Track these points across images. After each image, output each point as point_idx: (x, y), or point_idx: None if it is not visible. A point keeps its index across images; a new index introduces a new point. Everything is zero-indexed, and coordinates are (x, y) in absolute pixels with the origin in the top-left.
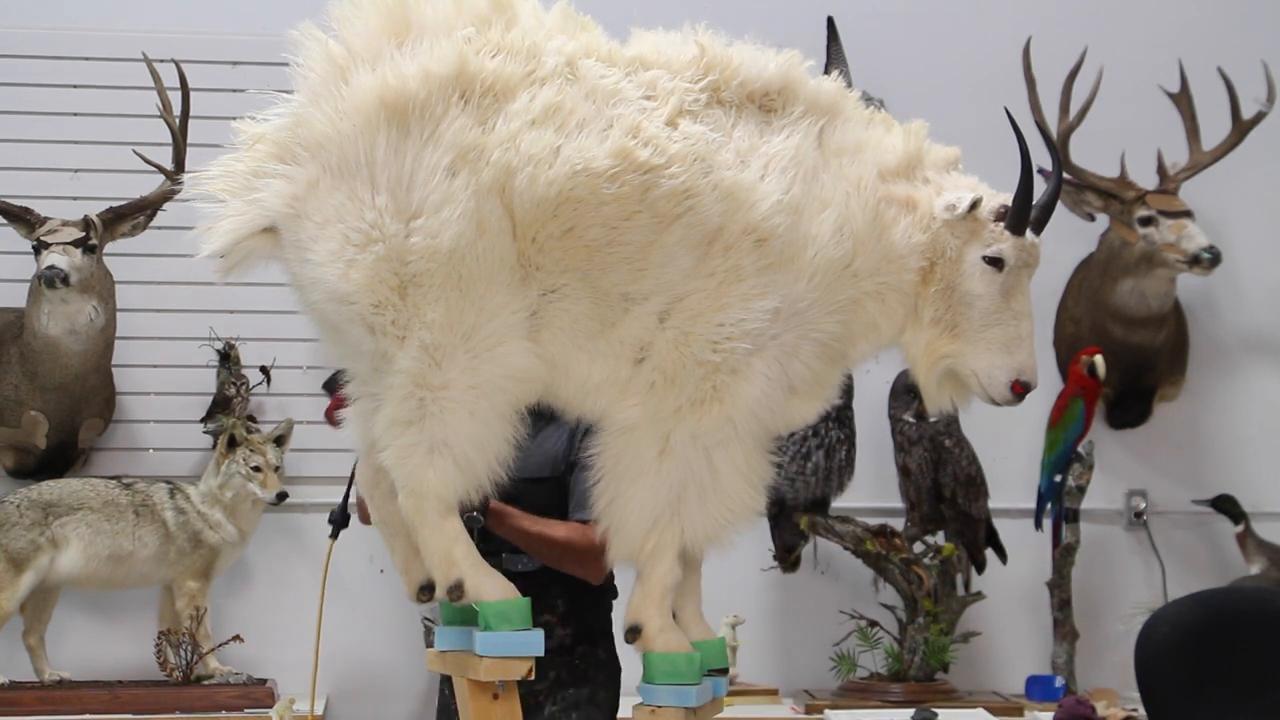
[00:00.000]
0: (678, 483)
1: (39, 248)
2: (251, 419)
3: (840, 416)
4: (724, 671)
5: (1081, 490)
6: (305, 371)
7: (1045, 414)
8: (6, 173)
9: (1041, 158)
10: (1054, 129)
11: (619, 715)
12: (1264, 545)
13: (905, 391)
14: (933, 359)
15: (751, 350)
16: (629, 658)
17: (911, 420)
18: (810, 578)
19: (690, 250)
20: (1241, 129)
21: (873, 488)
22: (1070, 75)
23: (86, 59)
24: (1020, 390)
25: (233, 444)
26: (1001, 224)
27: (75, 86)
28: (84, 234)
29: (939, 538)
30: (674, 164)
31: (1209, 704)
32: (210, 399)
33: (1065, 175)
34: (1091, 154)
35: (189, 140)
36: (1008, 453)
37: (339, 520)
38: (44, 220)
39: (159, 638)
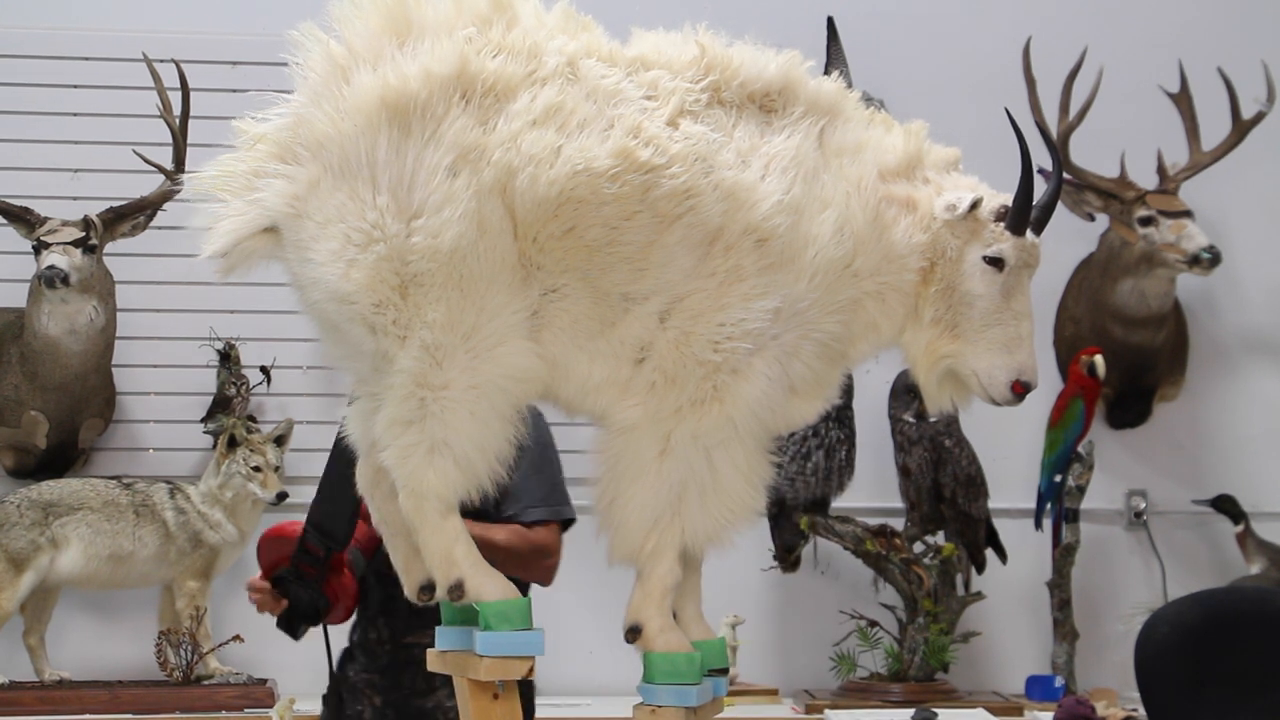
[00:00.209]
0: (678, 483)
1: (39, 248)
2: (251, 419)
3: (840, 416)
4: (724, 671)
5: (1081, 490)
6: (305, 371)
7: (1045, 414)
8: (6, 173)
9: (1042, 158)
10: (1054, 129)
11: (619, 716)
12: (1264, 545)
13: (905, 391)
14: (933, 359)
15: (752, 350)
16: (629, 658)
17: (911, 420)
18: (810, 578)
19: (691, 250)
20: (1241, 129)
21: (873, 488)
22: (1070, 75)
23: (86, 59)
24: (1020, 390)
25: (233, 444)
26: (1002, 224)
27: (75, 86)
28: (84, 234)
29: (939, 538)
30: (675, 164)
31: (1209, 704)
32: (210, 399)
33: (1065, 175)
34: (1091, 154)
35: (189, 140)
36: (1008, 453)
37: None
38: (44, 220)
39: (159, 638)
